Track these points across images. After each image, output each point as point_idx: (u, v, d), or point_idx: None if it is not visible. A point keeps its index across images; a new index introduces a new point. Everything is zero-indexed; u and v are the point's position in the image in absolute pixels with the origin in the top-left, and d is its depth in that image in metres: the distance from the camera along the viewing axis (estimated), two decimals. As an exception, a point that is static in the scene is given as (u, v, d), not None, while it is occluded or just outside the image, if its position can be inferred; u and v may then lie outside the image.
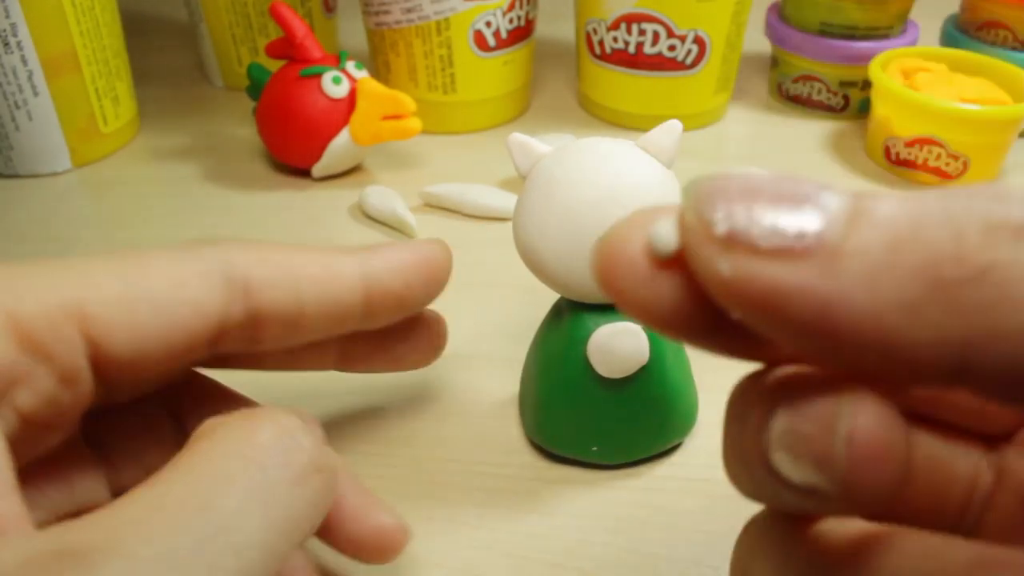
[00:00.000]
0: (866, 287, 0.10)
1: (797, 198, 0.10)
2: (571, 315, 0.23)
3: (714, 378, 0.28)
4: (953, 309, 0.09)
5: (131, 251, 0.17)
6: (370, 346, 0.23)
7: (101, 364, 0.16)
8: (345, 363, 0.23)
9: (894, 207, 0.10)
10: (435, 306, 0.32)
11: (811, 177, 0.10)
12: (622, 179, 0.21)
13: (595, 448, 0.24)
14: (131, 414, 0.20)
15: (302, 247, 0.20)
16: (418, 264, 0.21)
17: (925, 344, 0.10)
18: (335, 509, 0.19)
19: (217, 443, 0.15)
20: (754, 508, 0.24)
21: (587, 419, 0.24)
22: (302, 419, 0.16)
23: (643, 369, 0.22)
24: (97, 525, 0.13)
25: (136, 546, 0.13)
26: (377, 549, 0.19)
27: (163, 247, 0.18)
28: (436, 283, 0.22)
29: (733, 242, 0.10)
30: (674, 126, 0.21)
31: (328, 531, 0.19)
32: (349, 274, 0.20)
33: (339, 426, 0.26)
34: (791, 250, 0.10)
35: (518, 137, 0.22)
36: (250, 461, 0.14)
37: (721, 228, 0.10)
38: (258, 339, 0.19)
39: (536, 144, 0.22)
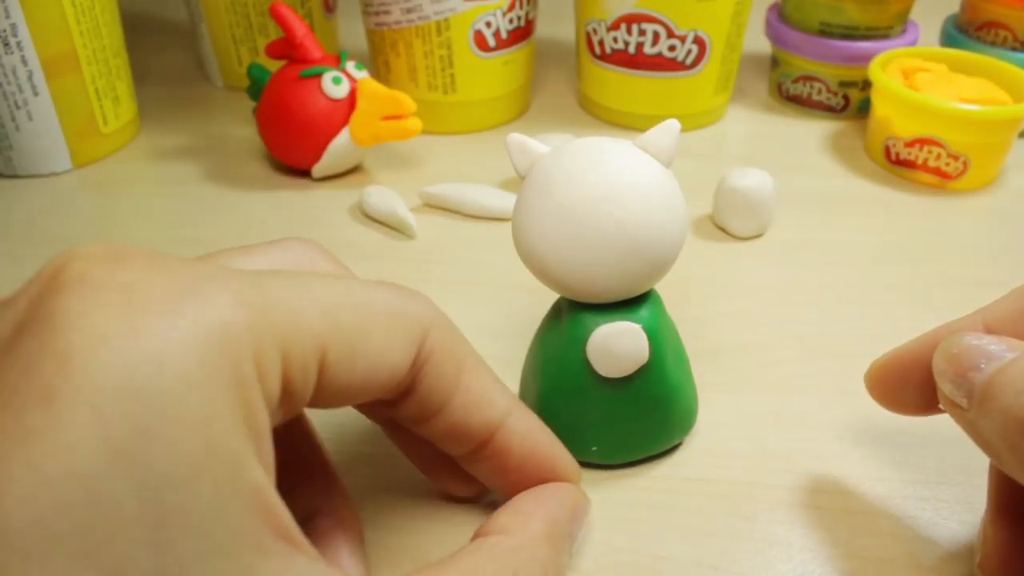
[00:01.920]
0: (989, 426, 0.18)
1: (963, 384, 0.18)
2: (570, 315, 0.23)
3: (714, 378, 0.28)
4: None
5: (359, 286, 0.18)
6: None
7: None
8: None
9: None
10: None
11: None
12: (620, 178, 0.21)
13: (595, 448, 0.24)
14: None
15: (485, 367, 0.20)
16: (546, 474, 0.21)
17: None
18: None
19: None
20: (748, 509, 0.24)
21: (587, 419, 0.24)
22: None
23: (643, 369, 0.22)
24: None
25: None
26: None
27: (381, 284, 0.18)
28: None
29: (948, 400, 0.19)
30: (672, 125, 0.21)
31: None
32: (497, 410, 0.20)
33: (340, 426, 0.26)
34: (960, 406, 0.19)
35: (516, 137, 0.22)
36: None
37: (947, 390, 0.19)
38: (396, 402, 0.19)
39: (535, 144, 0.22)
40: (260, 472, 0.14)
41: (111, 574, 0.12)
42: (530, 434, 0.21)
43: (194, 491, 0.13)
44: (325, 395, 0.17)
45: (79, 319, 0.13)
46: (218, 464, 0.13)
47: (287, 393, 0.16)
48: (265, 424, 0.15)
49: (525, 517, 0.20)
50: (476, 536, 0.19)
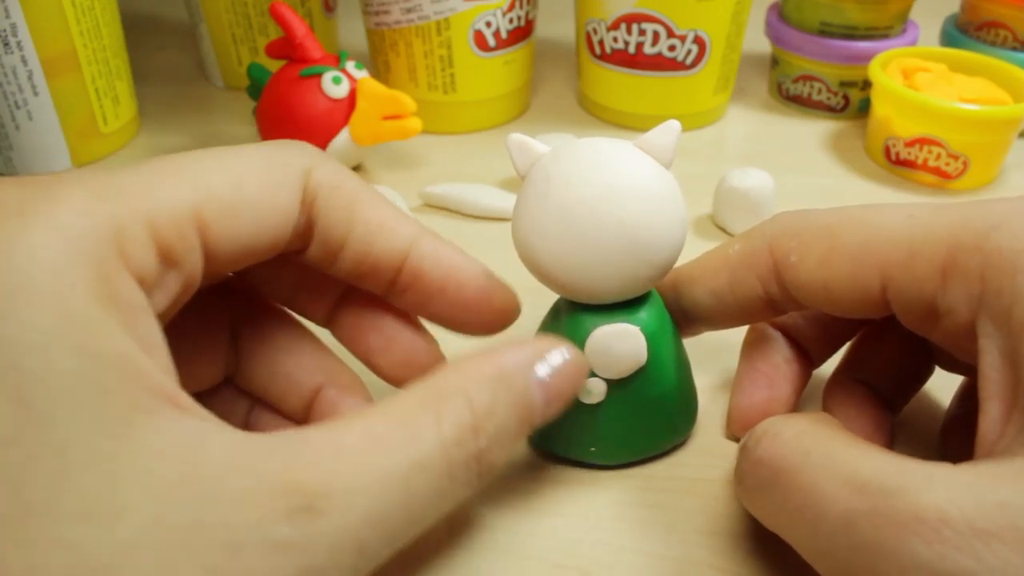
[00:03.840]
0: None
1: None
2: (569, 315, 0.23)
3: (714, 378, 0.28)
4: None
5: (231, 150, 0.19)
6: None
7: (206, 266, 0.18)
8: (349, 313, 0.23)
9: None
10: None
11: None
12: (619, 178, 0.21)
13: (595, 448, 0.24)
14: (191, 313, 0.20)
15: (384, 200, 0.21)
16: (467, 281, 0.22)
17: None
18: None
19: (424, 402, 0.17)
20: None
21: (586, 419, 0.24)
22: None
23: (642, 370, 0.22)
24: (321, 466, 0.15)
25: (353, 499, 0.15)
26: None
27: (257, 144, 0.19)
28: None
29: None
30: (672, 126, 0.21)
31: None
32: (400, 237, 0.21)
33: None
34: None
35: (517, 137, 0.22)
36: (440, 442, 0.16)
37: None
38: (304, 248, 0.20)
39: (535, 144, 0.22)
40: (124, 339, 0.15)
41: None
42: (443, 255, 0.21)
43: (51, 355, 0.14)
44: (223, 253, 0.18)
45: None
46: (73, 331, 0.14)
47: (169, 260, 0.16)
48: (135, 297, 0.16)
49: (468, 361, 0.18)
50: None
